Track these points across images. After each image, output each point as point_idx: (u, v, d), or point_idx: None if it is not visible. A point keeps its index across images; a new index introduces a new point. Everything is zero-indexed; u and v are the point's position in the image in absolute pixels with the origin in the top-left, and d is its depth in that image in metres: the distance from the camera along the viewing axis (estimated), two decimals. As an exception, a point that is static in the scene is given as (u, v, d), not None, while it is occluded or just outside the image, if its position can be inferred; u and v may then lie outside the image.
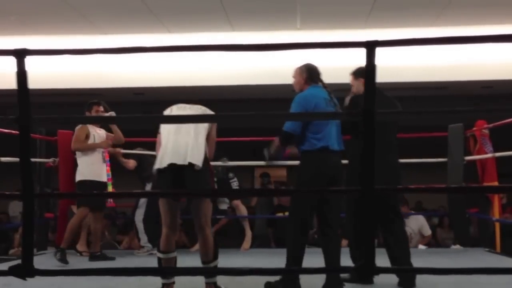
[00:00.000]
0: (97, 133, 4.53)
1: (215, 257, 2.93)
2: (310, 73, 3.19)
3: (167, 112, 3.05)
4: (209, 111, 2.94)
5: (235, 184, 5.12)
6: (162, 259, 2.93)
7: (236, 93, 6.75)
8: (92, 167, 4.40)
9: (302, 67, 3.23)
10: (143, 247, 4.95)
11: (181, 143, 2.87)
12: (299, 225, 3.06)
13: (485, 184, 4.88)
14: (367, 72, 1.77)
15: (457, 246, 5.10)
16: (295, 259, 3.01)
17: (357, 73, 3.38)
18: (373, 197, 1.69)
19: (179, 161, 2.82)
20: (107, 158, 4.66)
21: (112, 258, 4.49)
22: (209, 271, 2.96)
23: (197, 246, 4.76)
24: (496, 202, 4.93)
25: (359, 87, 3.33)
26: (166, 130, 2.98)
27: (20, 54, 1.71)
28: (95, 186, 4.33)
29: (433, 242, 6.47)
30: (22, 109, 1.70)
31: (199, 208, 2.91)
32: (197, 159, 2.83)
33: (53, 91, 6.46)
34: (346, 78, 6.24)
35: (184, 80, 6.33)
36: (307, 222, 3.10)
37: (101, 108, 4.54)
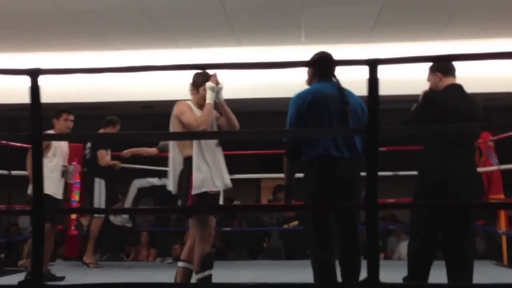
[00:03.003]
0: (60, 145, 4.15)
1: (203, 269, 2.97)
2: (318, 68, 2.80)
3: None
4: (174, 107, 3.02)
5: None
6: (179, 267, 3.10)
7: (242, 106, 6.80)
8: (47, 181, 3.80)
9: (313, 57, 2.85)
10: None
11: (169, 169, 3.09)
12: (315, 245, 2.68)
13: (491, 196, 4.89)
14: (369, 89, 1.81)
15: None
16: (322, 278, 2.65)
17: (434, 67, 2.95)
18: (376, 213, 1.71)
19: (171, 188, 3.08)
20: (77, 179, 4.47)
21: (61, 278, 4.09)
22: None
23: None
24: (503, 215, 4.93)
25: (435, 81, 2.93)
26: None
27: (33, 74, 1.78)
28: (48, 202, 3.88)
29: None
30: (35, 127, 1.76)
31: (192, 221, 3.07)
32: (173, 185, 3.03)
33: (64, 105, 6.56)
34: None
35: (192, 93, 6.41)
36: (323, 239, 2.65)
37: (71, 117, 4.27)
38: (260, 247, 6.42)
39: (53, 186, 4.05)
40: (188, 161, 2.96)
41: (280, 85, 6.03)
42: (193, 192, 2.92)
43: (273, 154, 5.71)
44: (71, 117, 4.28)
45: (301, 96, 2.68)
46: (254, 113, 7.20)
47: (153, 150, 5.06)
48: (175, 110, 3.01)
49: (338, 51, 5.82)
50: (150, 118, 7.65)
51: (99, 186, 4.81)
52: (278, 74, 5.92)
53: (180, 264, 3.11)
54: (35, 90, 1.78)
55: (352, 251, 2.68)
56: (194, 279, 2.99)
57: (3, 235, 6.05)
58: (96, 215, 4.83)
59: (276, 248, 6.12)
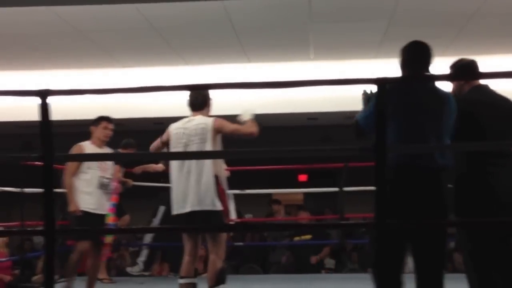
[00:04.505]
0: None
1: (218, 283, 3.03)
2: (409, 56, 2.40)
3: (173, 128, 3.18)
4: (209, 123, 3.04)
5: None
6: (182, 285, 3.10)
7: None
8: (84, 196, 3.73)
9: (405, 46, 2.46)
10: (137, 264, 5.14)
11: (185, 186, 3.03)
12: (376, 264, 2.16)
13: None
14: (377, 107, 1.81)
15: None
16: None
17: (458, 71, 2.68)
18: (387, 231, 1.68)
19: (187, 208, 3.02)
20: (114, 200, 4.33)
21: None
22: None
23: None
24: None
25: (459, 84, 2.61)
26: (171, 163, 3.15)
27: (43, 95, 1.80)
28: (87, 218, 3.70)
29: (450, 267, 6.37)
30: (46, 146, 1.78)
31: (210, 237, 3.10)
32: (205, 203, 2.99)
33: (76, 122, 6.64)
34: (358, 107, 6.29)
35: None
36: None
37: (111, 126, 3.99)
38: (272, 261, 6.39)
39: (91, 200, 3.78)
40: (216, 179, 3.04)
41: (288, 101, 6.06)
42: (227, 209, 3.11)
43: (284, 170, 5.70)
44: (111, 126, 3.98)
45: (392, 89, 2.25)
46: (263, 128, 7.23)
47: (159, 166, 5.11)
48: (215, 124, 3.07)
49: (346, 66, 5.91)
50: (161, 134, 7.70)
51: None
52: (287, 90, 5.95)
53: (181, 281, 3.11)
54: (45, 110, 1.79)
55: (428, 282, 2.25)
56: None
57: (18, 251, 6.11)
58: None
59: (286, 262, 6.10)
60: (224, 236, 3.14)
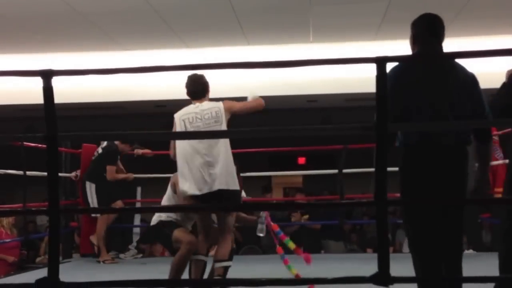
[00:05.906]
0: None
1: (229, 259, 3.12)
2: (421, 30, 2.24)
3: (178, 117, 3.16)
4: (221, 105, 3.09)
5: None
6: (192, 260, 3.16)
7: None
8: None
9: (416, 19, 2.30)
10: (130, 249, 5.21)
11: (203, 167, 3.00)
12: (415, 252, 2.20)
13: (497, 190, 4.89)
14: (378, 86, 1.83)
15: (470, 251, 5.09)
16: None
17: None
18: (386, 208, 1.72)
19: (206, 189, 3.00)
20: (275, 228, 3.59)
21: None
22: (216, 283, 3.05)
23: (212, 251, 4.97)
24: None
25: None
26: (180, 147, 3.09)
27: (46, 75, 1.81)
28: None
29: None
30: (49, 127, 1.79)
31: (224, 217, 3.13)
32: (230, 183, 3.01)
33: (78, 105, 6.67)
34: (357, 88, 6.27)
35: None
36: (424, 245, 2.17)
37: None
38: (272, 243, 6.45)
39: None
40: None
41: (288, 83, 6.06)
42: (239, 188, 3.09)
43: (284, 153, 5.69)
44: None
45: (393, 74, 2.12)
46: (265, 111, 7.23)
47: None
48: (225, 105, 3.10)
49: (346, 48, 5.90)
50: (163, 117, 7.71)
51: (90, 189, 4.98)
52: (287, 72, 5.95)
53: (193, 257, 3.15)
54: (48, 91, 1.80)
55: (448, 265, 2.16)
56: (220, 265, 3.08)
57: (21, 233, 6.20)
58: (99, 216, 4.96)
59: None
60: (234, 215, 3.23)
